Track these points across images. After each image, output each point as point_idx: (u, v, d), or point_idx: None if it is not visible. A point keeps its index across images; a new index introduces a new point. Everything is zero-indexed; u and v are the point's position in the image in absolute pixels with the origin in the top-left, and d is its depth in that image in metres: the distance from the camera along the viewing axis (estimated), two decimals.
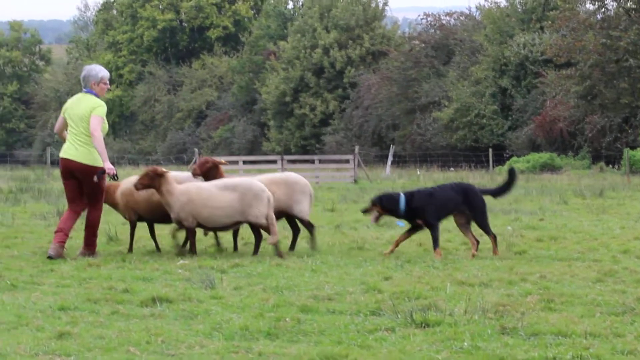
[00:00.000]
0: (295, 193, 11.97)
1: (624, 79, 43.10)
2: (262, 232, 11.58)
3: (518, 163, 43.20)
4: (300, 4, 72.72)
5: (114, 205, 12.04)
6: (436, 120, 53.74)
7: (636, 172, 36.91)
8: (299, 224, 12.22)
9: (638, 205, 20.63)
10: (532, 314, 7.67)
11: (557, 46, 44.80)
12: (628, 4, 44.88)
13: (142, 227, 12.33)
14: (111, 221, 14.02)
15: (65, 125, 11.40)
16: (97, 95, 11.29)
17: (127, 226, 12.26)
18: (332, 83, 63.26)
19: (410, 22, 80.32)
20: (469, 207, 11.76)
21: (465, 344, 6.66)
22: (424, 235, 11.91)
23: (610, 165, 42.19)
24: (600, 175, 37.04)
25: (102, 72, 11.39)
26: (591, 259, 11.21)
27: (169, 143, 72.12)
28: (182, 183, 11.60)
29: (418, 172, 40.10)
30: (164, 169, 11.48)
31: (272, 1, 74.51)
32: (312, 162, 37.98)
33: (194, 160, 36.18)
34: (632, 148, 39.94)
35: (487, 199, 12.16)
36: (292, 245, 12.14)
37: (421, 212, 11.66)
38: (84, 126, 11.12)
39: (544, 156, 43.69)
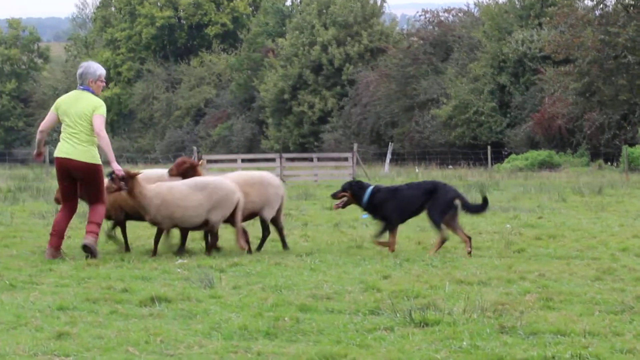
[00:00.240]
0: (269, 195, 11.84)
1: (623, 75, 43.06)
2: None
3: (517, 160, 43.23)
4: (299, 0, 72.65)
5: None
6: (435, 118, 53.69)
7: (635, 170, 36.91)
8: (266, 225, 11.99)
9: (637, 203, 20.63)
10: (531, 312, 7.67)
11: (556, 43, 44.76)
12: (626, 0, 44.81)
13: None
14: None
15: (55, 123, 11.34)
16: (94, 93, 11.26)
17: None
18: (330, 80, 63.16)
19: (409, 18, 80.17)
20: (431, 202, 11.55)
21: (464, 343, 6.66)
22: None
23: (609, 163, 42.20)
24: (598, 173, 37.04)
25: (99, 69, 11.37)
26: (590, 257, 11.20)
27: (168, 141, 72.02)
28: (154, 181, 11.39)
29: (417, 170, 40.10)
30: (135, 171, 11.26)
31: None
32: (311, 160, 37.97)
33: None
34: (631, 145, 39.92)
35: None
36: (260, 246, 11.91)
37: (380, 207, 11.64)
38: (83, 124, 11.06)
39: (542, 153, 43.66)
